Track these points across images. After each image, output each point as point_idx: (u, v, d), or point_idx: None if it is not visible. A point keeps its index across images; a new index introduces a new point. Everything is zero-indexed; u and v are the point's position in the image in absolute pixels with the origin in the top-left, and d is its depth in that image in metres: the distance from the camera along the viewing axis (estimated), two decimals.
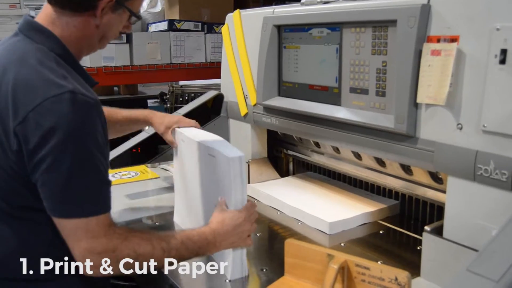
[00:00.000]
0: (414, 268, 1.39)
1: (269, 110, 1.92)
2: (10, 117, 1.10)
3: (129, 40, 3.90)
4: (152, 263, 1.20)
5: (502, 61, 1.14)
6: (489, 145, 1.19)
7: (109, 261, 1.14)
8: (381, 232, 1.69)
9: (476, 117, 1.21)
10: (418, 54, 1.31)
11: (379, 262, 1.46)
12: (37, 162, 1.09)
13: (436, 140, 1.31)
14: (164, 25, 4.07)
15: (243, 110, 2.07)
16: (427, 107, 1.32)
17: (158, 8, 4.40)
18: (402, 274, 1.17)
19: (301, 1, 1.77)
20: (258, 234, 1.71)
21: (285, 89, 1.86)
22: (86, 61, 3.84)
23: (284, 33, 1.82)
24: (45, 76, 1.11)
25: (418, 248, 1.42)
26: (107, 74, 3.83)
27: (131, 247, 1.17)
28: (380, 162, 1.70)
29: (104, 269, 1.15)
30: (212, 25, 4.11)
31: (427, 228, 1.35)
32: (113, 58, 3.86)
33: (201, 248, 1.29)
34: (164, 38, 4.03)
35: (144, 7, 4.42)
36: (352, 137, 1.57)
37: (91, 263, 1.14)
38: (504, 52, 1.13)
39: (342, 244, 1.59)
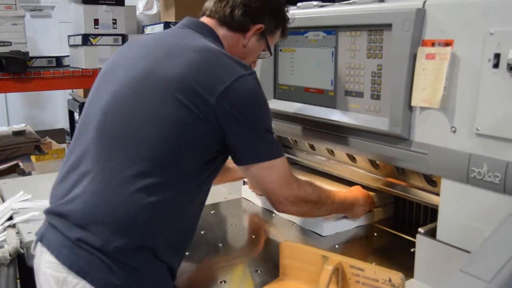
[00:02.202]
0: (407, 270, 1.40)
1: None
2: (208, 88, 1.24)
3: (125, 42, 3.91)
4: (323, 210, 1.53)
5: (496, 65, 1.15)
6: (482, 148, 1.20)
7: (300, 204, 1.44)
8: (375, 234, 1.70)
9: (470, 121, 1.22)
10: (413, 58, 1.33)
11: (373, 264, 1.47)
12: (239, 124, 1.27)
13: (430, 143, 1.32)
14: (160, 27, 4.07)
15: None
16: (422, 110, 1.34)
17: (154, 10, 4.41)
18: (396, 276, 1.19)
19: (297, 4, 1.78)
20: (253, 236, 1.72)
21: (281, 91, 1.87)
22: (82, 63, 3.85)
23: None
24: (230, 60, 1.31)
25: (412, 250, 1.44)
26: None
27: (316, 191, 1.49)
28: (375, 164, 1.71)
29: (296, 210, 1.47)
30: None
31: (420, 230, 1.37)
32: None
33: (345, 209, 1.66)
34: None
35: (140, 9, 4.43)
36: (347, 140, 1.58)
37: (289, 206, 1.42)
38: (497, 56, 1.15)
39: (337, 246, 1.60)
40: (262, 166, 1.33)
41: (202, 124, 1.24)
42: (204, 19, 1.45)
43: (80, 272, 1.18)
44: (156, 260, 1.23)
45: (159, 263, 1.24)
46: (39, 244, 1.28)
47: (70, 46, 4.20)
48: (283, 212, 1.45)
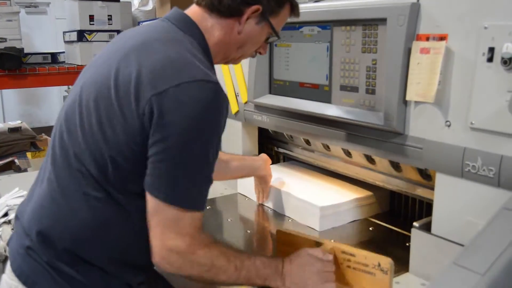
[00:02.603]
0: (403, 264, 1.41)
1: (260, 108, 1.93)
2: (148, 85, 1.09)
3: None
4: (222, 278, 1.18)
5: (490, 59, 1.16)
6: (477, 142, 1.20)
7: (185, 263, 1.14)
8: (370, 229, 1.71)
9: (464, 115, 1.23)
10: (408, 52, 1.33)
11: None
12: (161, 138, 1.07)
13: (424, 137, 1.33)
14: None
15: (234, 108, 2.07)
16: (416, 104, 1.34)
17: (150, 6, 4.40)
18: (385, 260, 1.21)
19: None
20: (248, 231, 1.72)
21: (276, 87, 1.87)
22: (77, 59, 3.84)
23: None
24: (194, 63, 1.13)
25: (407, 244, 1.44)
26: None
27: (209, 256, 1.16)
28: (370, 159, 1.71)
29: (177, 269, 1.14)
30: None
31: (415, 224, 1.37)
32: None
33: (268, 278, 1.23)
34: None
35: (135, 5, 4.42)
36: (342, 135, 1.58)
37: (169, 259, 1.13)
38: (491, 50, 1.15)
39: (332, 241, 1.60)
40: (166, 209, 1.11)
41: (134, 128, 1.10)
42: (192, 9, 1.29)
43: (28, 282, 1.14)
44: (107, 276, 1.17)
45: (111, 278, 1.18)
46: (7, 247, 1.26)
47: (66, 42, 4.19)
48: (159, 266, 1.16)
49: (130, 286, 1.22)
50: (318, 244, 1.30)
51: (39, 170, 1.29)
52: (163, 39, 1.19)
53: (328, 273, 1.25)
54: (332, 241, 1.35)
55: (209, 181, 1.16)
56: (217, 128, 1.13)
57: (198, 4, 1.28)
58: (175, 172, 1.09)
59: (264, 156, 1.85)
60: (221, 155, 1.43)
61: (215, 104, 1.11)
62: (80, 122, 1.17)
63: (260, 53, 1.40)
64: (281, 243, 1.40)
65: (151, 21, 1.31)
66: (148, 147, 1.10)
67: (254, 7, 1.25)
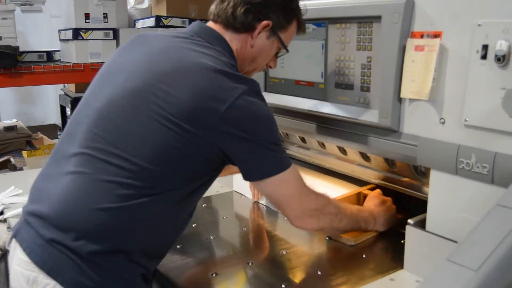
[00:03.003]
0: (398, 261, 1.42)
1: None
2: (206, 112, 1.20)
3: (115, 36, 3.89)
4: (344, 222, 1.45)
5: (484, 57, 1.16)
6: (471, 139, 1.21)
7: (322, 217, 1.38)
8: None
9: (458, 112, 1.23)
10: (402, 50, 1.33)
11: (363, 256, 1.48)
12: (237, 141, 1.22)
13: (419, 135, 1.33)
14: (151, 21, 4.07)
15: None
16: (411, 102, 1.34)
17: (145, 4, 4.39)
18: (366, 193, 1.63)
19: None
20: (244, 229, 1.72)
21: (272, 84, 1.87)
22: (73, 57, 3.84)
23: None
24: (229, 77, 1.24)
25: (402, 241, 1.44)
26: (94, 70, 3.82)
27: (334, 205, 1.43)
28: (365, 156, 1.72)
29: (317, 223, 1.38)
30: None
31: (410, 221, 1.38)
32: (100, 54, 3.85)
33: (367, 221, 1.55)
34: None
35: (131, 3, 4.41)
36: (337, 132, 1.58)
37: (310, 219, 1.36)
38: (485, 47, 1.15)
39: (327, 238, 1.61)
40: (272, 181, 1.28)
41: (194, 147, 1.21)
42: (211, 25, 1.41)
43: (51, 272, 1.15)
44: (131, 264, 1.21)
45: (134, 266, 1.22)
46: (13, 239, 1.26)
47: (61, 40, 4.18)
48: (301, 227, 1.38)
49: (147, 276, 1.27)
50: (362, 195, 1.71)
51: (53, 164, 1.30)
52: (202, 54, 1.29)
53: (393, 209, 1.64)
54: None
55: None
56: (266, 111, 1.30)
57: (214, 21, 1.40)
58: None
59: None
60: None
61: (259, 99, 1.29)
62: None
63: (270, 66, 1.52)
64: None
65: (176, 33, 1.39)
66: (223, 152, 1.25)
67: (265, 22, 1.37)
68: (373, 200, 1.65)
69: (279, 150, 1.29)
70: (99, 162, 1.20)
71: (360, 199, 1.73)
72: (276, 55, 1.49)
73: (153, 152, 1.19)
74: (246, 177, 1.31)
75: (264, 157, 1.26)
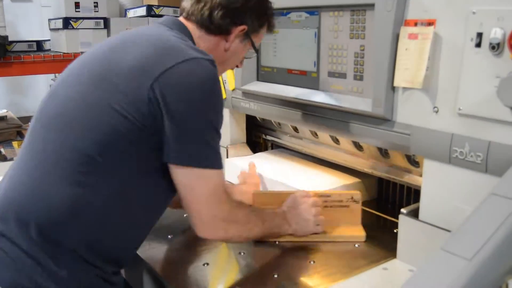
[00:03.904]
0: (391, 251, 1.41)
1: (248, 95, 1.91)
2: (146, 73, 1.14)
3: (106, 25, 3.86)
4: (255, 231, 1.39)
5: (478, 45, 1.15)
6: (464, 128, 1.20)
7: (230, 226, 1.29)
8: None
9: (452, 101, 1.22)
10: (396, 38, 1.32)
11: (356, 245, 1.47)
12: (172, 114, 1.13)
13: (412, 124, 1.32)
14: (142, 11, 4.03)
15: None
16: (404, 90, 1.33)
17: None
18: (356, 193, 1.54)
19: None
20: None
21: (264, 73, 1.85)
22: (63, 47, 3.80)
23: None
24: (186, 46, 1.21)
25: (395, 231, 1.44)
26: None
27: (246, 214, 1.35)
28: (358, 146, 1.71)
29: (224, 233, 1.29)
30: None
31: (403, 210, 1.37)
32: (91, 44, 3.80)
33: (281, 225, 1.47)
34: (143, 24, 3.98)
35: None
36: (330, 121, 1.57)
37: (215, 226, 1.26)
38: (479, 35, 1.14)
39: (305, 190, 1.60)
40: (193, 173, 1.18)
41: (137, 119, 1.13)
42: (181, 20, 1.37)
43: None
44: (84, 264, 1.15)
45: (89, 267, 1.16)
46: None
47: (51, 30, 4.13)
48: (205, 236, 1.27)
49: (107, 279, 1.21)
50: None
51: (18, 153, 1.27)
52: (156, 33, 1.27)
53: (316, 208, 1.49)
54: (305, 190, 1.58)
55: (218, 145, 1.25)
56: (216, 91, 1.21)
57: (187, 18, 1.36)
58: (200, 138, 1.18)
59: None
60: None
61: (212, 76, 1.20)
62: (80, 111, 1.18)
63: (237, 66, 1.51)
64: (259, 204, 1.56)
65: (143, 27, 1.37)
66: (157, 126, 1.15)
67: (241, 27, 1.36)
68: (291, 201, 1.52)
69: (213, 143, 1.20)
70: (47, 149, 1.17)
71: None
72: (244, 56, 1.49)
73: (98, 121, 1.15)
74: (164, 156, 1.17)
75: (192, 141, 1.17)
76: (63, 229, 1.13)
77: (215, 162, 1.21)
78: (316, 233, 1.50)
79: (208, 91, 1.18)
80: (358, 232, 1.51)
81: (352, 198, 1.54)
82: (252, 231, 1.38)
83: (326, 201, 1.54)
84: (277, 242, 1.49)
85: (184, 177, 1.19)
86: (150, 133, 1.15)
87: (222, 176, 1.25)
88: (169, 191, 1.26)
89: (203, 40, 1.35)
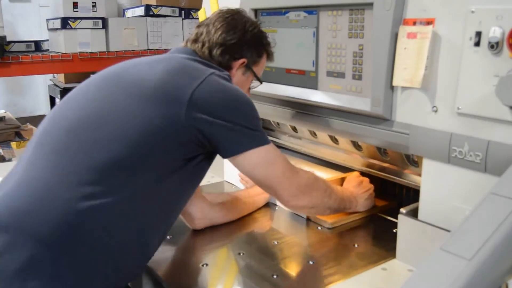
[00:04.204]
0: (390, 251, 1.41)
1: None
2: (178, 92, 1.21)
3: (105, 25, 3.85)
4: (333, 198, 1.46)
5: (477, 44, 1.14)
6: (464, 128, 1.20)
7: (314, 192, 1.40)
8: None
9: (451, 100, 1.22)
10: (394, 37, 1.31)
11: (355, 245, 1.47)
12: (218, 122, 1.21)
13: (411, 123, 1.32)
14: (140, 11, 4.03)
15: None
16: (403, 90, 1.33)
17: None
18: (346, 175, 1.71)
19: None
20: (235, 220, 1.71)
21: (262, 73, 1.84)
22: (61, 47, 3.79)
23: (261, 16, 1.81)
24: (204, 65, 1.33)
25: (395, 231, 1.44)
26: (83, 60, 3.79)
27: (322, 180, 1.46)
28: (357, 145, 1.71)
29: (310, 199, 1.39)
30: (190, 11, 4.07)
31: (402, 210, 1.37)
32: (89, 44, 3.81)
33: (351, 201, 1.58)
34: (141, 24, 3.99)
35: None
36: (329, 121, 1.57)
37: (303, 195, 1.36)
38: (478, 34, 1.14)
39: (319, 228, 1.60)
40: (260, 151, 1.28)
41: (168, 130, 1.19)
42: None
43: None
44: (96, 274, 1.13)
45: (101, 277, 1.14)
46: None
47: (49, 30, 4.14)
48: (295, 206, 1.40)
49: None
50: (343, 179, 1.72)
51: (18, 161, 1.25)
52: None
53: (371, 189, 1.67)
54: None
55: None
56: (239, 94, 1.30)
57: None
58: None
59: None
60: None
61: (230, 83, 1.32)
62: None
63: None
64: None
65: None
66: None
67: (241, 61, 1.45)
68: (351, 182, 1.68)
69: (254, 130, 1.28)
70: (57, 160, 1.16)
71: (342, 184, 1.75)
72: (249, 88, 1.55)
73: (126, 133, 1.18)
74: (222, 154, 1.29)
75: (239, 133, 1.25)
76: (71, 239, 1.10)
77: (265, 139, 1.29)
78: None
79: (232, 96, 1.27)
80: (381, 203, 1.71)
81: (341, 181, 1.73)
82: (331, 197, 1.45)
83: None
84: (276, 243, 1.49)
85: (252, 160, 1.27)
86: (190, 149, 1.23)
87: (277, 149, 1.33)
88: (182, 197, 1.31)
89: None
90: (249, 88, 1.56)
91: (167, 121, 1.18)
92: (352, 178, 1.70)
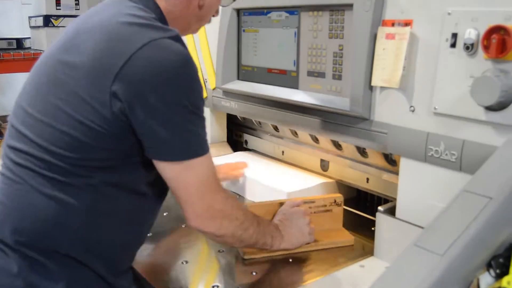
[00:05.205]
0: (368, 248, 1.43)
1: (228, 94, 1.92)
2: (103, 72, 1.03)
3: None
4: (249, 232, 1.25)
5: (453, 45, 1.17)
6: (440, 127, 1.22)
7: (225, 219, 1.18)
8: None
9: (428, 100, 1.24)
10: (373, 38, 1.33)
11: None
12: (144, 110, 1.02)
13: (389, 123, 1.34)
14: None
15: None
16: (382, 90, 1.35)
17: None
18: (338, 195, 1.54)
19: None
20: None
21: (244, 73, 1.86)
22: (43, 45, 3.76)
23: (244, 16, 1.82)
24: (142, 27, 1.07)
25: (373, 228, 1.46)
26: None
27: (242, 208, 1.25)
28: (337, 145, 1.72)
29: (218, 226, 1.17)
30: None
31: (380, 208, 1.39)
32: None
33: (273, 236, 1.35)
34: None
35: None
36: (310, 120, 1.58)
37: (211, 217, 1.15)
38: (454, 36, 1.16)
39: (291, 198, 1.62)
40: (178, 167, 1.09)
41: (104, 119, 1.04)
42: None
43: None
44: (82, 268, 1.10)
45: (88, 271, 1.11)
46: None
47: (31, 27, 4.11)
48: (197, 228, 1.16)
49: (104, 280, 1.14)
50: (281, 204, 1.50)
51: None
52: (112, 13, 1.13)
53: (308, 217, 1.45)
54: (291, 198, 1.56)
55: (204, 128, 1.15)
56: (189, 68, 1.09)
57: None
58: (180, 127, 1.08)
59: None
60: None
61: (181, 51, 1.08)
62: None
63: (214, 16, 1.36)
64: None
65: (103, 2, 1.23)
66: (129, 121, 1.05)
67: None
68: (283, 213, 1.45)
69: (195, 127, 1.09)
70: (22, 151, 1.10)
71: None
72: (220, 4, 1.36)
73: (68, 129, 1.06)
74: (146, 152, 1.09)
75: (171, 132, 1.05)
76: (51, 236, 1.08)
77: (199, 149, 1.10)
78: (308, 243, 1.44)
79: (177, 74, 1.04)
80: (346, 237, 1.50)
81: (335, 201, 1.53)
82: (247, 231, 1.24)
83: (310, 207, 1.51)
84: None
85: (170, 171, 1.10)
86: (123, 137, 1.07)
87: (210, 160, 1.14)
88: (157, 187, 1.19)
89: (173, 3, 1.21)
90: (217, 10, 1.37)
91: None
92: (286, 208, 1.47)
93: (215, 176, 1.16)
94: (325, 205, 1.53)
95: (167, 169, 1.10)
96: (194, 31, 1.36)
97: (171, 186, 1.13)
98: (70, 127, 1.05)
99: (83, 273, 1.10)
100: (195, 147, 1.10)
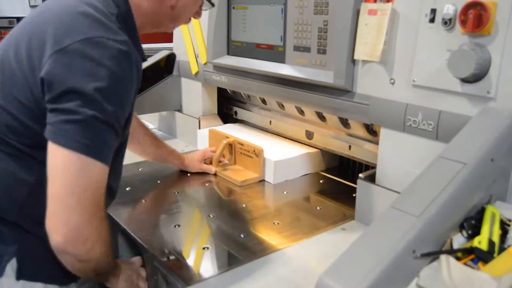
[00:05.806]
0: (349, 213, 1.43)
1: (219, 68, 1.89)
2: (46, 45, 0.97)
3: None
4: (96, 251, 1.00)
5: (432, 20, 1.15)
6: (418, 98, 1.21)
7: (77, 245, 0.96)
8: (321, 181, 1.72)
9: (407, 73, 1.23)
10: (357, 14, 1.31)
11: (317, 208, 1.49)
12: (62, 93, 0.93)
13: (371, 94, 1.33)
14: None
15: (194, 69, 2.03)
16: (364, 63, 1.33)
17: None
18: (258, 147, 1.69)
19: None
20: (207, 184, 1.71)
21: (234, 48, 1.83)
22: None
23: None
24: (94, 22, 0.99)
25: (354, 195, 1.46)
26: None
27: (104, 229, 1.02)
28: (321, 116, 1.71)
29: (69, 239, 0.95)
30: None
31: (361, 175, 1.39)
32: None
33: (110, 272, 1.14)
34: None
35: None
36: (296, 93, 1.57)
37: (58, 236, 0.95)
38: (433, 11, 1.15)
39: (285, 192, 1.62)
40: (68, 156, 0.93)
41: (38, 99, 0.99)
42: None
43: None
44: (32, 237, 1.06)
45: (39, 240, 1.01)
46: None
47: (31, 6, 4.02)
48: (50, 238, 0.95)
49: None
50: (226, 138, 1.79)
51: None
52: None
53: (136, 277, 1.22)
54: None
55: (114, 139, 1.02)
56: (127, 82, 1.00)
57: None
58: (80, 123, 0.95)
59: (195, 156, 1.82)
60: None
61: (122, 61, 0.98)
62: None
63: (195, 17, 1.28)
64: (211, 138, 1.91)
65: None
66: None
67: None
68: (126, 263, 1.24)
69: (103, 132, 0.96)
70: None
71: None
72: (200, 8, 1.26)
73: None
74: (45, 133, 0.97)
75: (73, 120, 0.93)
76: (2, 205, 1.06)
77: (102, 154, 0.96)
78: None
79: (107, 75, 0.94)
80: (240, 177, 1.69)
81: (254, 151, 1.71)
82: (95, 249, 0.99)
83: (240, 148, 1.76)
84: (244, 206, 1.50)
85: (58, 158, 0.94)
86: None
87: (105, 175, 0.98)
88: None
89: (144, 2, 1.13)
90: (199, 12, 1.27)
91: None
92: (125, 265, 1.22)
93: (103, 191, 1.00)
94: (248, 151, 1.73)
95: (55, 154, 0.96)
96: (169, 29, 1.27)
97: (50, 177, 0.96)
98: (13, 107, 1.02)
99: (32, 240, 1.08)
100: (97, 150, 0.97)
